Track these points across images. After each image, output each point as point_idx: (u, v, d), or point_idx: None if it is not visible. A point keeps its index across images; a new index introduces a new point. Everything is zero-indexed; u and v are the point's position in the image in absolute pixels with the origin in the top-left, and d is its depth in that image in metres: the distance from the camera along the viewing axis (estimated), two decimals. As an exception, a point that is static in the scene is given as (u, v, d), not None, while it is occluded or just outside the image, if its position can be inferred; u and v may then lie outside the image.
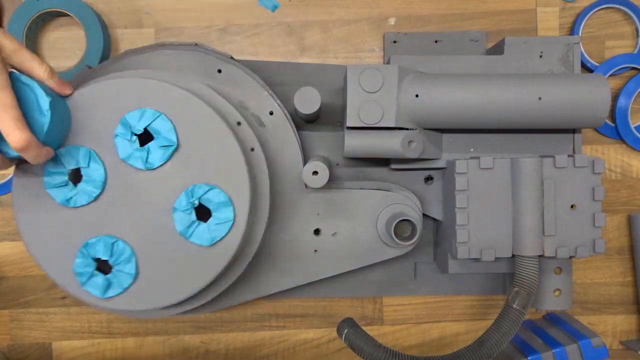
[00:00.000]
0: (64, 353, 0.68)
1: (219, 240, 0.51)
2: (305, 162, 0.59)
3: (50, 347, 0.68)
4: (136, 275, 0.52)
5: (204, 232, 0.51)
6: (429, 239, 0.66)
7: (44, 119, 0.46)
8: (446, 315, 0.69)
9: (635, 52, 0.68)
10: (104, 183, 0.51)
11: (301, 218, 0.58)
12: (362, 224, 0.59)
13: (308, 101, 0.56)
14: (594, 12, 0.67)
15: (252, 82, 0.57)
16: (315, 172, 0.54)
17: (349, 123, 0.55)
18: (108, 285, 0.51)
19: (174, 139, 0.51)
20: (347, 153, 0.57)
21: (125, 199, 0.51)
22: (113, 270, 0.52)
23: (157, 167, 0.51)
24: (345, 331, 0.55)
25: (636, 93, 0.67)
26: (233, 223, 0.51)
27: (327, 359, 0.69)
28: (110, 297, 0.52)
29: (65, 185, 0.51)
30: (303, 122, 0.63)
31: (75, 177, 0.52)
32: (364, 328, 0.55)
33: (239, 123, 0.54)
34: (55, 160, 0.50)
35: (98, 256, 0.51)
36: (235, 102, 0.55)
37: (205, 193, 0.51)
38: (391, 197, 0.58)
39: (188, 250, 0.52)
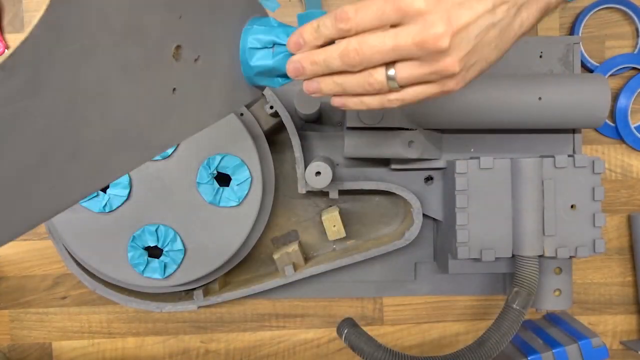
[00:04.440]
0: (64, 353, 0.68)
1: (245, 198, 0.57)
2: (306, 162, 0.59)
3: (50, 347, 0.68)
4: (185, 250, 0.58)
5: (229, 195, 0.57)
6: (429, 239, 0.66)
7: None
8: (446, 315, 0.69)
9: (635, 52, 0.68)
10: (130, 182, 0.57)
11: (159, 14, 0.31)
12: (226, 47, 0.37)
13: (308, 101, 0.56)
14: (594, 12, 0.67)
15: None
16: (318, 173, 0.54)
17: (349, 123, 0.55)
18: (164, 266, 0.57)
19: None
20: (347, 153, 0.57)
21: (153, 190, 0.57)
22: (164, 252, 0.58)
23: (171, 154, 0.56)
24: (345, 331, 0.55)
25: (636, 93, 0.67)
26: (251, 179, 0.57)
27: (327, 359, 0.69)
28: (169, 276, 0.58)
29: (96, 195, 0.56)
30: (303, 122, 0.63)
31: None
32: (364, 328, 0.55)
33: None
34: None
35: (147, 244, 0.57)
36: None
37: (220, 162, 0.56)
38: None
39: (221, 214, 0.57)
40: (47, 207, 0.27)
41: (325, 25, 0.33)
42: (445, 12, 0.31)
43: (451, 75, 0.33)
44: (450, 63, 0.32)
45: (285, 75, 0.38)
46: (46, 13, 0.23)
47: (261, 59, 0.38)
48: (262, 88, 0.42)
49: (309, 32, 0.34)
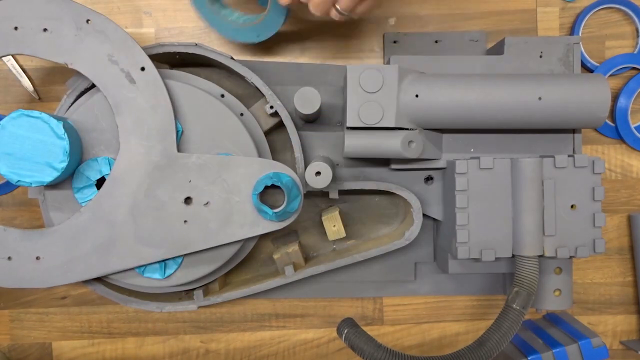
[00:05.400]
0: (64, 353, 0.68)
1: None
2: (306, 162, 0.59)
3: (50, 347, 0.68)
4: None
5: None
6: (429, 239, 0.66)
7: (63, 142, 0.51)
8: (446, 315, 0.69)
9: (635, 52, 0.68)
10: None
11: (170, 185, 0.55)
12: (238, 193, 0.55)
13: (308, 101, 0.56)
14: (594, 12, 0.67)
15: (124, 35, 0.54)
16: (318, 173, 0.54)
17: (349, 123, 0.55)
18: (164, 267, 0.57)
19: (178, 125, 0.55)
20: (347, 153, 0.56)
21: None
22: None
23: None
24: (345, 331, 0.55)
25: (636, 93, 0.67)
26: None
27: (327, 359, 0.69)
28: (169, 276, 0.57)
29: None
30: (303, 122, 0.63)
31: (101, 184, 0.56)
32: (364, 328, 0.55)
33: (222, 95, 0.59)
34: (80, 176, 0.55)
35: None
36: (102, 54, 0.54)
37: None
38: (269, 165, 0.56)
39: None
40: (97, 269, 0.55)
41: None
42: None
43: None
44: None
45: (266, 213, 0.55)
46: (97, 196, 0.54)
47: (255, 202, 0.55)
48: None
49: None
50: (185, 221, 0.55)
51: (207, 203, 0.55)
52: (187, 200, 0.55)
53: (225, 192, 0.55)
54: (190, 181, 0.55)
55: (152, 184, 0.54)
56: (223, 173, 0.55)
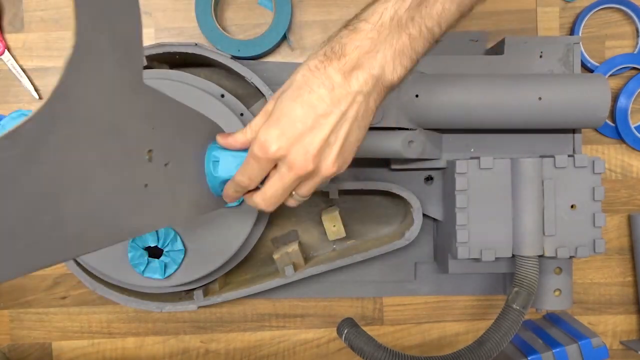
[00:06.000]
0: (64, 353, 0.68)
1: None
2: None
3: (50, 347, 0.68)
4: (185, 250, 0.57)
5: None
6: (429, 239, 0.66)
7: None
8: (446, 315, 0.69)
9: (635, 52, 0.68)
10: None
11: (133, 126, 0.36)
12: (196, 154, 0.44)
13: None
14: (594, 12, 0.67)
15: None
16: None
17: (349, 123, 0.55)
18: (165, 266, 0.57)
19: None
20: (347, 153, 0.56)
21: None
22: (164, 252, 0.57)
23: None
24: (345, 331, 0.54)
25: (636, 93, 0.67)
26: None
27: (327, 359, 0.69)
28: (170, 276, 0.57)
29: None
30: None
31: None
32: (364, 328, 0.55)
33: (222, 95, 0.59)
34: None
35: (147, 244, 0.57)
36: None
37: None
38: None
39: (221, 214, 0.57)
40: (22, 265, 0.30)
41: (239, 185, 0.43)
42: (301, 147, 0.38)
43: (330, 175, 0.41)
44: (325, 172, 0.40)
45: None
46: (44, 106, 0.29)
47: (224, 170, 0.45)
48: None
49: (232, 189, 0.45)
50: (145, 185, 0.38)
51: (167, 164, 0.39)
52: (150, 154, 0.38)
53: (183, 154, 0.42)
54: (153, 128, 0.38)
55: (112, 120, 0.34)
56: (183, 133, 0.42)
